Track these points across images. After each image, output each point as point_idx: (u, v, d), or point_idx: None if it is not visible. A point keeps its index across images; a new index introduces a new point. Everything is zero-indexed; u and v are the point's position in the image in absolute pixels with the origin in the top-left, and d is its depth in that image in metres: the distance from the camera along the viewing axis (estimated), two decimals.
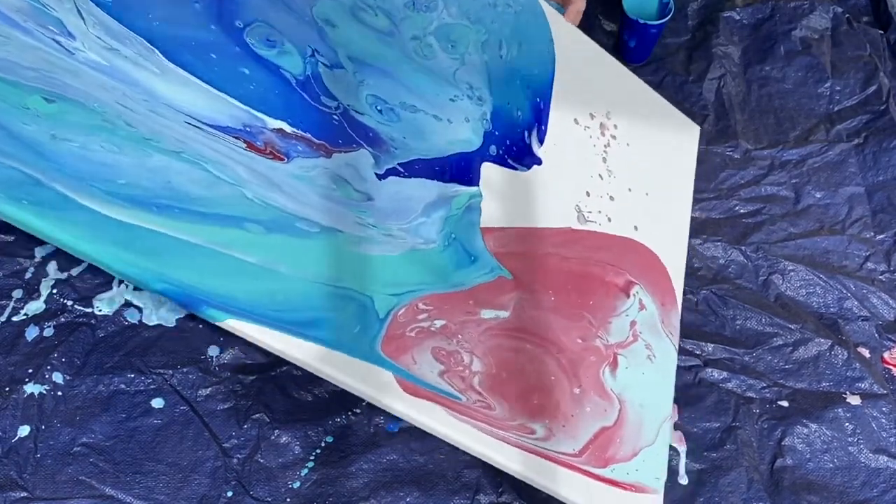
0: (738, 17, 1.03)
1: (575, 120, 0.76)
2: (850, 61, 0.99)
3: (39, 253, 0.77)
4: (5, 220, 0.47)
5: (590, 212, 0.73)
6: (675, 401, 0.75)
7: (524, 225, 0.68)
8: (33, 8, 0.49)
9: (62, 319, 0.74)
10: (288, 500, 0.67)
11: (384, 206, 0.61)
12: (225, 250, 0.51)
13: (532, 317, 0.66)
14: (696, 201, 0.88)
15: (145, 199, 0.49)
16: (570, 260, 0.70)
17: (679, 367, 0.77)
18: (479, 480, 0.69)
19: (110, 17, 0.51)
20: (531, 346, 0.65)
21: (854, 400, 0.75)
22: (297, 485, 0.68)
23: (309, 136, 0.58)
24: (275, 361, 0.73)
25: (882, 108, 0.95)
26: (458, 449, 0.70)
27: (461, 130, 0.67)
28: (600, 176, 0.76)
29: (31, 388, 0.70)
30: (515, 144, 0.71)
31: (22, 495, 0.65)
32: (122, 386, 0.71)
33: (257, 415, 0.70)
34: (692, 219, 0.87)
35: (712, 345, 0.78)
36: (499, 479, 0.69)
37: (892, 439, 0.73)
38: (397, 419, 0.71)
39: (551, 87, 0.75)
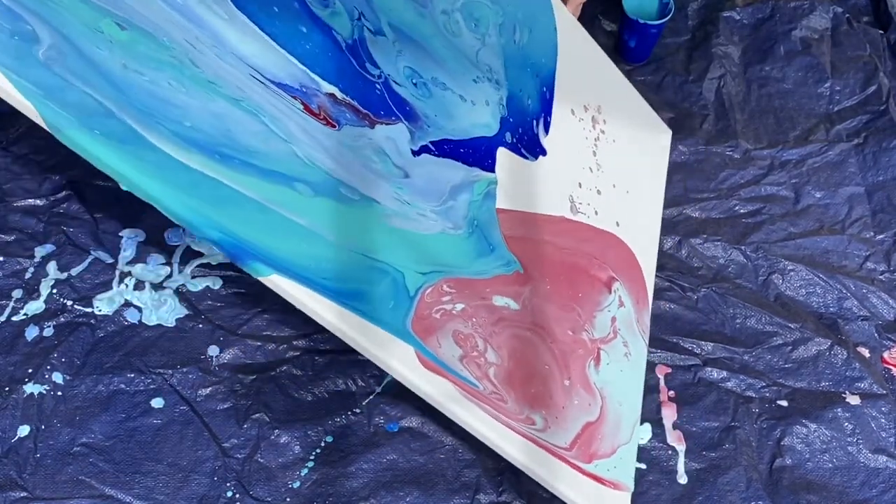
0: (738, 17, 1.03)
1: (571, 110, 0.77)
2: (850, 61, 0.99)
3: (39, 253, 0.77)
4: (76, 149, 0.46)
5: (580, 203, 0.74)
6: (675, 400, 0.75)
7: (524, 209, 0.69)
8: None
9: (62, 319, 0.74)
10: (288, 499, 0.67)
11: (418, 183, 0.61)
12: (277, 208, 0.52)
13: (533, 304, 0.67)
14: (696, 201, 0.88)
15: (208, 145, 0.49)
16: (563, 250, 0.71)
17: (678, 367, 0.77)
18: (479, 480, 0.69)
19: None
20: (531, 333, 0.65)
21: (853, 400, 0.75)
22: (296, 485, 0.68)
23: (356, 104, 0.59)
24: (275, 361, 0.74)
25: (882, 108, 0.95)
26: (458, 448, 0.70)
27: (482, 114, 0.68)
28: (590, 169, 0.77)
29: (30, 388, 0.70)
30: (526, 133, 0.71)
31: (22, 495, 0.65)
32: (122, 386, 0.71)
33: (257, 414, 0.70)
34: (692, 218, 0.87)
35: (712, 344, 0.78)
36: (499, 478, 0.69)
37: (891, 439, 0.73)
38: (397, 419, 0.71)
39: (555, 78, 0.75)
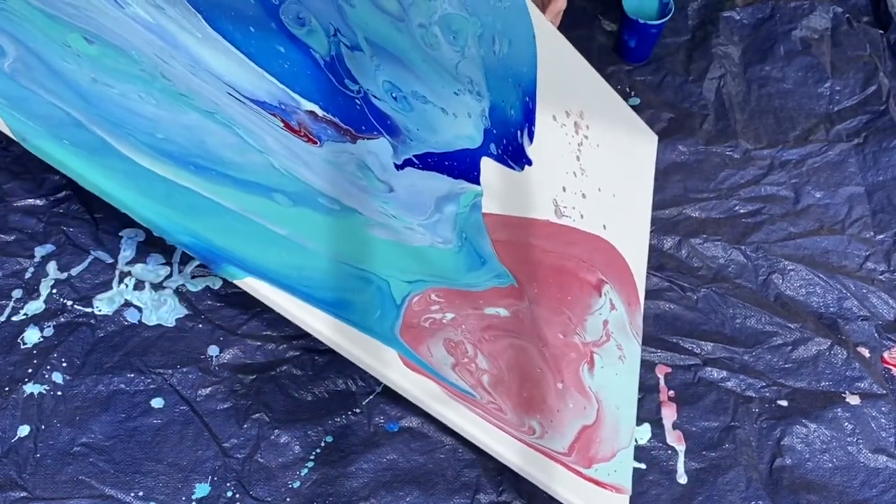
0: (738, 17, 1.03)
1: (553, 116, 0.77)
2: (850, 61, 0.99)
3: (39, 253, 0.77)
4: (45, 159, 0.46)
5: (565, 207, 0.74)
6: (674, 399, 0.75)
7: (508, 213, 0.69)
8: None
9: (62, 319, 0.74)
10: (288, 499, 0.67)
11: (403, 197, 0.61)
12: (256, 218, 0.52)
13: (522, 310, 0.67)
14: (695, 201, 0.88)
15: (181, 156, 0.49)
16: (549, 253, 0.71)
17: (678, 366, 0.77)
18: (479, 480, 0.69)
19: None
20: (521, 338, 0.65)
21: (853, 400, 0.75)
22: (296, 484, 0.68)
23: (337, 120, 0.59)
24: (275, 361, 0.74)
25: (882, 108, 0.95)
26: (458, 448, 0.70)
27: (465, 126, 0.68)
28: (574, 173, 0.77)
29: (30, 388, 0.70)
30: (511, 144, 0.71)
31: (22, 495, 0.65)
32: (122, 386, 0.71)
33: (257, 414, 0.70)
34: (692, 218, 0.87)
35: (712, 344, 0.78)
36: (499, 478, 0.69)
37: (891, 439, 0.73)
38: (397, 419, 0.71)
39: (536, 87, 0.76)
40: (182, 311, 0.75)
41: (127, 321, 0.74)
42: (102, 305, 0.75)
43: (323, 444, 0.70)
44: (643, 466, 0.71)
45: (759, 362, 0.77)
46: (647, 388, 0.75)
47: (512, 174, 0.71)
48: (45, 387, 0.70)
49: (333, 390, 0.72)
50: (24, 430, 0.68)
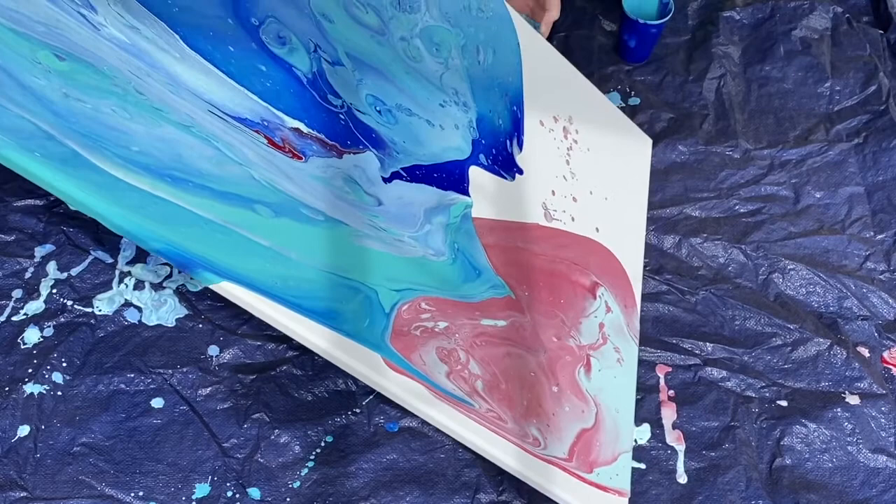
0: (738, 17, 1.03)
1: (540, 122, 0.77)
2: (850, 61, 0.99)
3: (39, 253, 0.77)
4: (15, 169, 0.45)
5: (555, 210, 0.74)
6: (674, 399, 0.75)
7: (495, 217, 0.69)
8: None
9: (62, 319, 0.74)
10: (288, 499, 0.67)
11: (392, 210, 0.61)
12: (237, 229, 0.51)
13: (521, 320, 0.67)
14: (695, 201, 0.88)
15: (158, 168, 0.49)
16: (539, 256, 0.71)
17: (678, 366, 0.77)
18: (479, 479, 0.69)
19: None
20: (517, 346, 0.65)
21: (853, 399, 0.75)
22: (297, 484, 0.68)
23: (322, 136, 0.59)
24: (275, 361, 0.74)
25: (882, 108, 0.95)
26: (458, 448, 0.70)
27: (452, 137, 0.68)
28: (564, 177, 0.77)
29: (30, 388, 0.70)
30: (501, 153, 0.72)
31: (22, 495, 0.65)
32: (122, 386, 0.71)
33: (257, 414, 0.70)
34: (692, 218, 0.87)
35: (711, 344, 0.78)
36: (499, 477, 0.69)
37: (891, 439, 0.73)
38: (397, 419, 0.71)
39: (523, 95, 0.76)
40: (182, 311, 0.75)
41: (127, 321, 0.74)
42: (102, 305, 0.75)
43: (323, 444, 0.70)
44: (643, 466, 0.71)
45: (759, 362, 0.77)
46: (647, 388, 0.75)
47: (503, 183, 0.71)
48: (45, 387, 0.70)
49: (333, 390, 0.72)
50: (24, 430, 0.68)
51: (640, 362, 0.76)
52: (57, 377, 0.71)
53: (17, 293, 0.75)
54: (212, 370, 0.72)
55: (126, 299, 0.76)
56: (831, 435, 0.73)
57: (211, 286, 0.49)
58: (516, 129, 0.74)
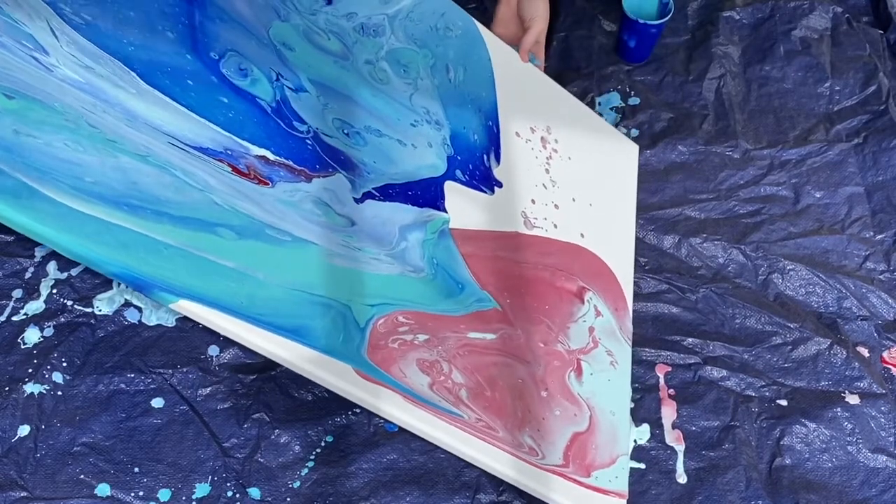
0: (738, 17, 1.03)
1: (516, 133, 0.77)
2: (850, 61, 0.99)
3: (39, 253, 0.77)
4: None
5: (535, 218, 0.74)
6: (674, 398, 0.75)
7: (475, 228, 0.69)
8: (4, 23, 0.49)
9: (62, 319, 0.74)
10: (288, 499, 0.67)
11: (366, 230, 0.61)
12: (200, 253, 0.51)
13: (510, 332, 0.67)
14: (695, 201, 0.88)
15: (114, 197, 0.49)
16: (520, 264, 0.71)
17: (678, 366, 0.77)
18: (479, 479, 0.69)
19: (84, 38, 0.51)
20: (504, 356, 0.65)
21: (853, 399, 0.75)
22: (297, 484, 0.68)
23: (290, 163, 0.59)
24: (275, 361, 0.74)
25: (882, 108, 0.95)
26: None
27: (427, 155, 0.68)
28: (544, 185, 0.77)
29: (30, 388, 0.70)
30: (478, 168, 0.72)
31: (22, 495, 0.65)
32: (122, 386, 0.71)
33: (257, 414, 0.70)
34: (692, 218, 0.87)
35: (711, 343, 0.78)
36: (499, 478, 0.69)
37: (890, 439, 0.73)
38: None
39: (497, 109, 0.76)
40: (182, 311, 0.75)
41: (127, 321, 0.75)
42: (102, 305, 0.75)
43: (323, 444, 0.70)
44: (643, 466, 0.71)
45: (759, 362, 0.77)
46: (647, 388, 0.75)
47: (483, 197, 0.71)
48: (46, 387, 0.70)
49: None
50: (24, 430, 0.68)
51: (640, 362, 0.76)
52: (57, 377, 0.71)
53: (17, 293, 0.75)
54: (212, 370, 0.73)
55: (126, 299, 0.76)
56: (831, 435, 0.73)
57: (169, 305, 0.49)
58: (493, 143, 0.74)
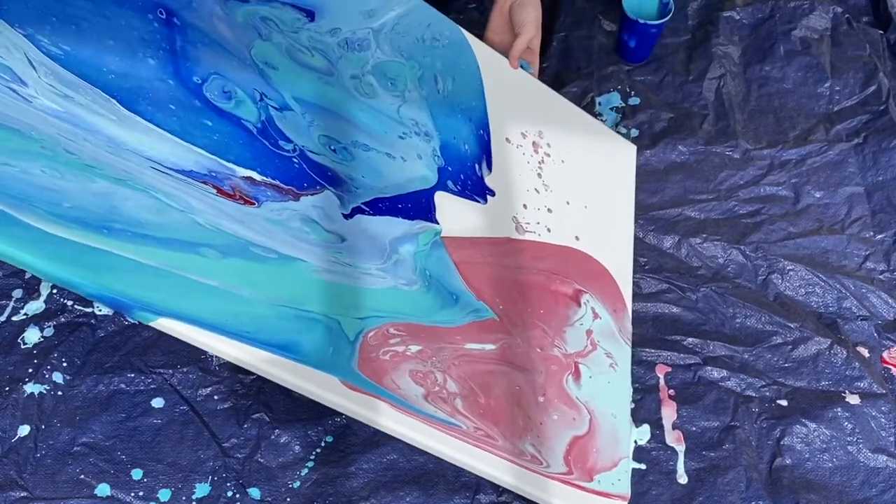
0: (738, 17, 1.03)
1: (507, 139, 0.77)
2: (850, 61, 0.99)
3: None
4: None
5: (528, 223, 0.74)
6: (674, 399, 0.75)
7: (464, 235, 0.69)
8: None
9: (62, 319, 0.74)
10: (288, 499, 0.67)
11: (356, 245, 0.61)
12: (182, 273, 0.51)
13: (509, 341, 0.66)
14: (695, 201, 0.88)
15: (94, 222, 0.49)
16: (512, 269, 0.70)
17: (678, 366, 0.77)
18: (479, 480, 0.69)
19: (63, 68, 0.51)
20: (501, 364, 0.65)
21: (853, 399, 0.75)
22: (297, 484, 0.68)
23: (278, 182, 0.59)
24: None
25: (882, 108, 0.95)
26: None
27: (416, 168, 0.68)
28: (536, 190, 0.77)
29: (31, 388, 0.70)
30: (469, 178, 0.71)
31: (22, 495, 0.65)
32: (122, 386, 0.71)
33: (257, 414, 0.70)
34: (691, 218, 0.87)
35: (711, 343, 0.78)
36: None
37: (891, 439, 0.73)
38: None
39: (488, 117, 0.76)
40: None
41: (127, 321, 0.75)
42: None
43: (323, 444, 0.70)
44: (643, 467, 0.71)
45: (759, 362, 0.77)
46: (647, 388, 0.75)
47: (476, 206, 0.71)
48: (46, 387, 0.70)
49: None
50: (24, 430, 0.68)
51: (640, 362, 0.76)
52: (57, 377, 0.71)
53: (17, 293, 0.75)
54: (212, 370, 0.73)
55: None
56: (831, 435, 0.73)
57: (150, 324, 0.49)
58: (484, 151, 0.74)
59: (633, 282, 0.81)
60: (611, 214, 0.84)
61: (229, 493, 0.67)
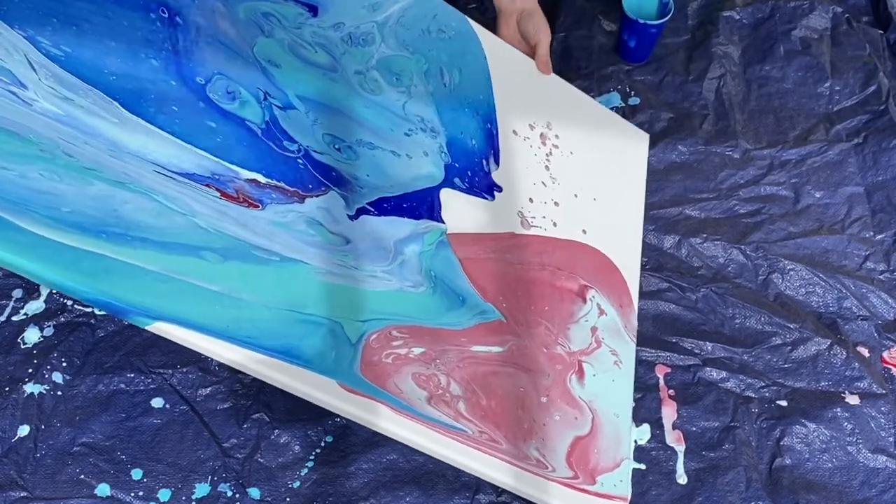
0: (738, 17, 1.03)
1: (514, 131, 0.76)
2: (850, 61, 0.99)
3: None
4: None
5: (533, 217, 0.73)
6: (674, 399, 0.75)
7: (465, 231, 0.68)
8: None
9: (62, 319, 0.74)
10: (288, 499, 0.67)
11: (362, 247, 0.60)
12: (183, 277, 0.51)
13: (516, 342, 0.66)
14: (695, 201, 0.88)
15: (93, 226, 0.48)
16: (518, 265, 0.69)
17: (678, 366, 0.77)
18: (479, 480, 0.69)
19: (64, 70, 0.51)
20: (505, 366, 0.64)
21: (853, 399, 0.75)
22: (296, 484, 0.68)
23: (283, 184, 0.58)
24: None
25: (881, 108, 0.95)
26: None
27: (423, 165, 0.67)
28: (543, 183, 0.75)
29: (30, 388, 0.70)
30: (477, 174, 0.70)
31: (22, 495, 0.65)
32: (122, 386, 0.71)
33: (257, 414, 0.70)
34: (692, 218, 0.87)
35: (711, 344, 0.78)
36: None
37: (890, 439, 0.73)
38: None
39: (495, 110, 0.75)
40: None
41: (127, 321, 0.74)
42: None
43: (323, 444, 0.70)
44: (643, 467, 0.71)
45: (759, 362, 0.77)
46: (647, 388, 0.75)
47: (484, 203, 0.70)
48: (45, 387, 0.70)
49: None
50: (24, 430, 0.68)
51: (640, 362, 0.76)
52: (57, 377, 0.71)
53: (17, 293, 0.75)
54: (212, 370, 0.72)
55: None
56: (831, 435, 0.73)
57: (146, 328, 0.49)
58: (491, 146, 0.73)
59: None
60: (620, 206, 0.82)
61: (229, 493, 0.67)
